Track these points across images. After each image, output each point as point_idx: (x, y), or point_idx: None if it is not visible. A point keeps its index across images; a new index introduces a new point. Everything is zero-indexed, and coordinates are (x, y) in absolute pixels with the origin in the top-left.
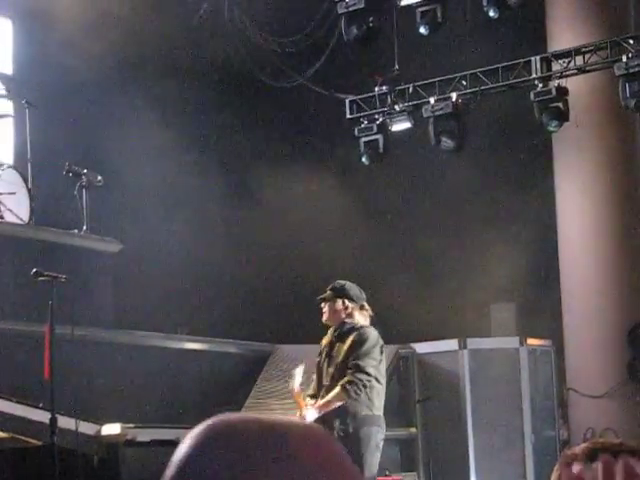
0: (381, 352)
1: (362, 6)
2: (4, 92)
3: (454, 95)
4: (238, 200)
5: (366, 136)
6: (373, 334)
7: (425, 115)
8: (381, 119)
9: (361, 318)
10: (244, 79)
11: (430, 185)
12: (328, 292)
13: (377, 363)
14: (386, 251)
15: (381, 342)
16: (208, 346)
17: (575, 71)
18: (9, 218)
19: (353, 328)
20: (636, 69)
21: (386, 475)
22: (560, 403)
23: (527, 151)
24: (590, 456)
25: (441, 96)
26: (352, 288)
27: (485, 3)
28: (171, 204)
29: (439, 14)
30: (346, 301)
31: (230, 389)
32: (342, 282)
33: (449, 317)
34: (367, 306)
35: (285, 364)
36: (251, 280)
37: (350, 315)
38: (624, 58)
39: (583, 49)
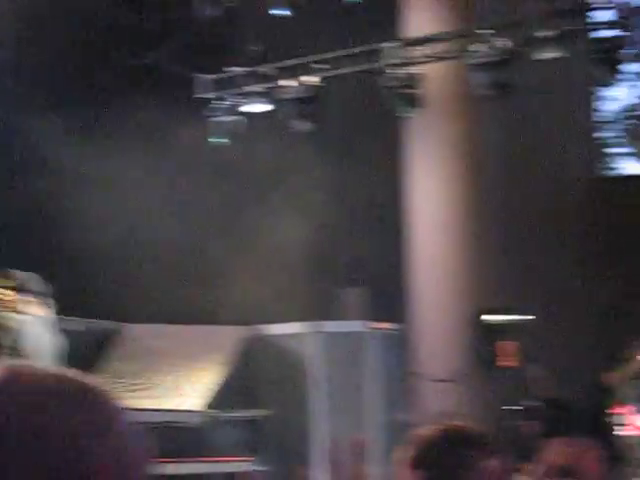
0: None
1: None
2: None
3: (309, 78)
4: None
5: (219, 116)
6: None
7: (280, 97)
8: (236, 100)
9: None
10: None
11: (281, 167)
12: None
13: None
14: (232, 234)
15: None
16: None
17: (428, 59)
18: None
19: None
20: (486, 59)
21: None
22: (408, 386)
23: (381, 136)
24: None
25: (297, 79)
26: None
27: None
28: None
29: None
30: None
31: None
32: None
33: (298, 301)
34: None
35: (135, 343)
36: (96, 256)
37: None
38: (475, 48)
39: (436, 38)
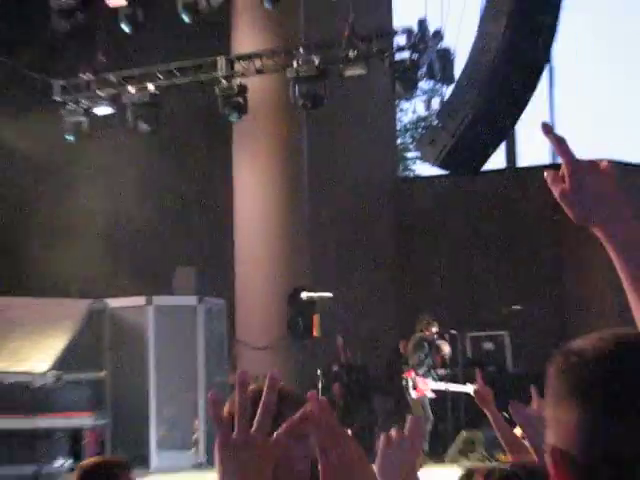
0: None
1: (72, 3)
2: None
3: (150, 85)
4: None
5: (71, 117)
6: None
7: (124, 102)
8: (86, 103)
9: None
10: None
11: (123, 161)
12: None
13: None
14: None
15: None
16: None
17: (254, 72)
18: None
19: None
20: (304, 74)
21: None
22: (230, 353)
23: (213, 138)
24: None
25: (139, 86)
26: None
27: (180, 9)
28: None
29: (140, 15)
30: None
31: None
32: None
33: (138, 277)
34: None
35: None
36: None
37: None
38: (295, 64)
39: (261, 54)
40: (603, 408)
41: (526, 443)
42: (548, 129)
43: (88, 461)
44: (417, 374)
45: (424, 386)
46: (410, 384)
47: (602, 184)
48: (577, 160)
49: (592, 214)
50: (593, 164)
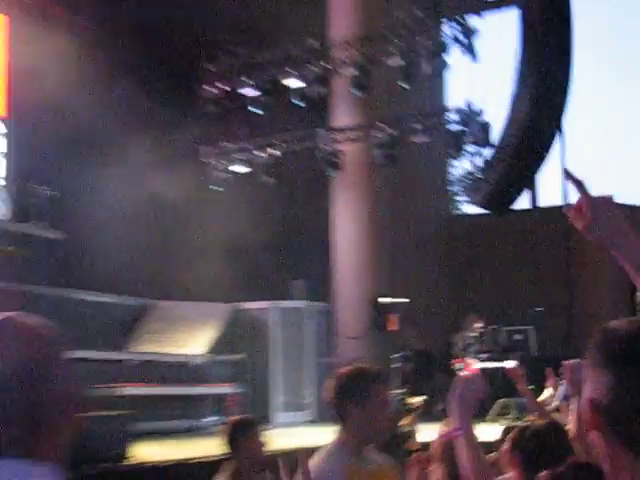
0: None
1: (219, 93)
2: None
3: (272, 150)
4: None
5: (216, 173)
6: None
7: (254, 162)
8: (225, 163)
9: None
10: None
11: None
12: None
13: None
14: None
15: None
16: (101, 298)
17: (347, 140)
18: None
19: None
20: (383, 141)
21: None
22: (332, 342)
23: (316, 185)
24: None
25: (265, 150)
26: None
27: (294, 97)
28: None
29: (269, 102)
30: None
31: (109, 341)
32: None
33: (261, 287)
34: None
35: (163, 312)
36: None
37: None
38: (376, 134)
39: (352, 127)
40: (628, 373)
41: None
42: (569, 174)
43: (234, 418)
44: (464, 358)
45: (471, 366)
46: (462, 367)
47: (615, 217)
48: (594, 198)
49: (610, 242)
50: (606, 200)
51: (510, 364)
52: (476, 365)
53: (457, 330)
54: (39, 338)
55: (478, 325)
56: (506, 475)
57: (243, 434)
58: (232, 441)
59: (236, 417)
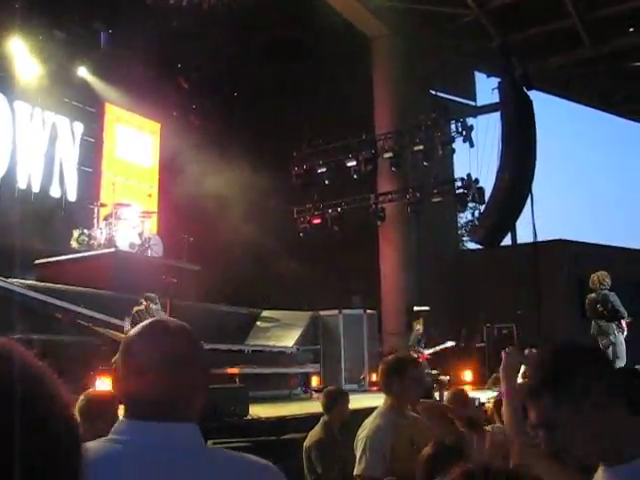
0: None
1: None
2: None
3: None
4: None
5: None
6: None
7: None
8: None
9: None
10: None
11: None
12: None
13: None
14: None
15: None
16: (215, 307)
17: (387, 201)
18: None
19: None
20: (412, 201)
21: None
22: (380, 338)
23: (370, 232)
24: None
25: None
26: None
27: (353, 171)
28: None
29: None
30: None
31: (231, 337)
32: None
33: (330, 301)
34: None
35: (266, 319)
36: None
37: None
38: (407, 196)
39: (391, 192)
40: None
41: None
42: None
43: (331, 388)
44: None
45: (423, 354)
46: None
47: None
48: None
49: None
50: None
51: (448, 344)
52: (426, 352)
53: (409, 331)
54: (189, 334)
55: (420, 327)
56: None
57: (336, 399)
58: (328, 403)
59: (333, 388)
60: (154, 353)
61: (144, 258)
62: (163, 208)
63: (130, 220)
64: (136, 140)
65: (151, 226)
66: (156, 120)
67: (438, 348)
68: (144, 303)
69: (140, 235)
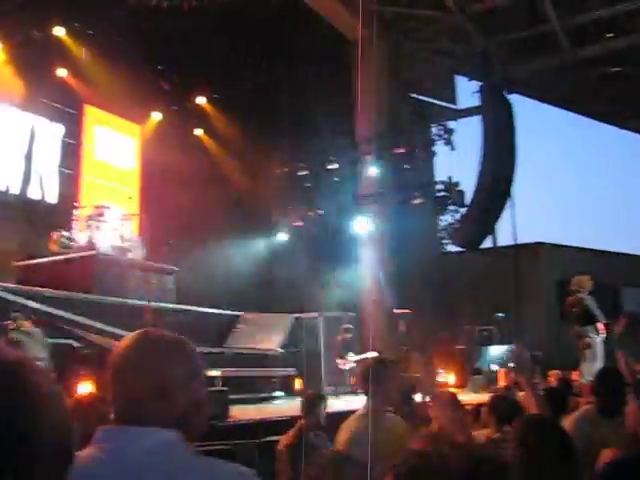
0: None
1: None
2: None
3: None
4: None
5: None
6: None
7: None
8: None
9: None
10: None
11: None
12: None
13: None
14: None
15: None
16: (196, 309)
17: (370, 203)
18: None
19: None
20: (394, 203)
21: None
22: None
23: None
24: None
25: None
26: None
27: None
28: None
29: None
30: None
31: (212, 339)
32: None
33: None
34: None
35: (247, 321)
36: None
37: None
38: (390, 199)
39: (373, 194)
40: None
41: None
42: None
43: (310, 392)
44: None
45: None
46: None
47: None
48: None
49: None
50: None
51: (371, 354)
52: (351, 359)
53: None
54: (186, 349)
55: (349, 335)
56: (483, 430)
57: (314, 403)
58: (306, 407)
59: (311, 392)
60: (136, 360)
61: (125, 261)
62: (144, 210)
63: (111, 222)
64: (116, 142)
65: (132, 228)
66: (137, 122)
67: (361, 357)
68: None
69: (121, 237)
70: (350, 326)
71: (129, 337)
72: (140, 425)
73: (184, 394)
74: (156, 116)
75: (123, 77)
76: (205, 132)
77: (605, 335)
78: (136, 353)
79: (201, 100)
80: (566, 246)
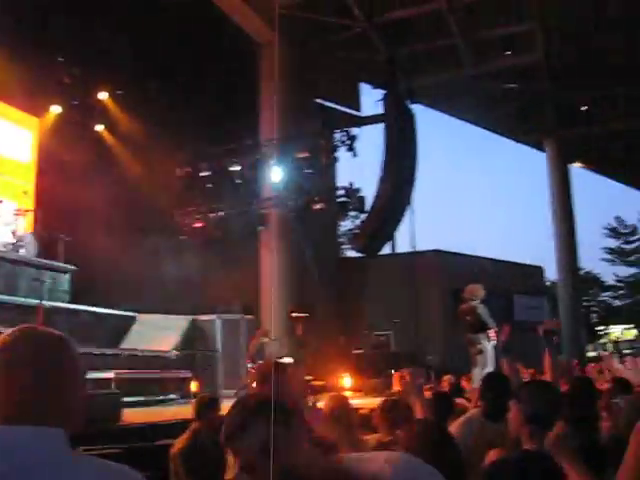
0: None
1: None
2: None
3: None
4: None
5: None
6: None
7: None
8: None
9: None
10: None
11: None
12: None
13: None
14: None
15: None
16: (90, 309)
17: (272, 206)
18: None
19: None
20: (296, 208)
21: None
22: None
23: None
24: None
25: None
26: None
27: (234, 177)
28: None
29: None
30: None
31: (106, 341)
32: None
33: (209, 308)
34: None
35: (143, 323)
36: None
37: None
38: (291, 203)
39: (274, 197)
40: None
41: None
42: None
43: (203, 395)
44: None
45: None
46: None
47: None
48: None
49: None
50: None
51: (287, 359)
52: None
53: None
54: (66, 344)
55: (266, 338)
56: (376, 434)
57: (207, 406)
58: (199, 410)
59: (204, 394)
60: (20, 356)
61: (16, 258)
62: (40, 206)
63: (3, 217)
64: (12, 134)
65: (26, 225)
66: (35, 115)
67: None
68: None
69: (14, 233)
70: (269, 329)
71: (7, 334)
72: (24, 424)
73: (68, 392)
74: (55, 109)
75: (21, 67)
76: (106, 128)
77: (495, 341)
78: (14, 350)
79: (103, 95)
80: (462, 254)
